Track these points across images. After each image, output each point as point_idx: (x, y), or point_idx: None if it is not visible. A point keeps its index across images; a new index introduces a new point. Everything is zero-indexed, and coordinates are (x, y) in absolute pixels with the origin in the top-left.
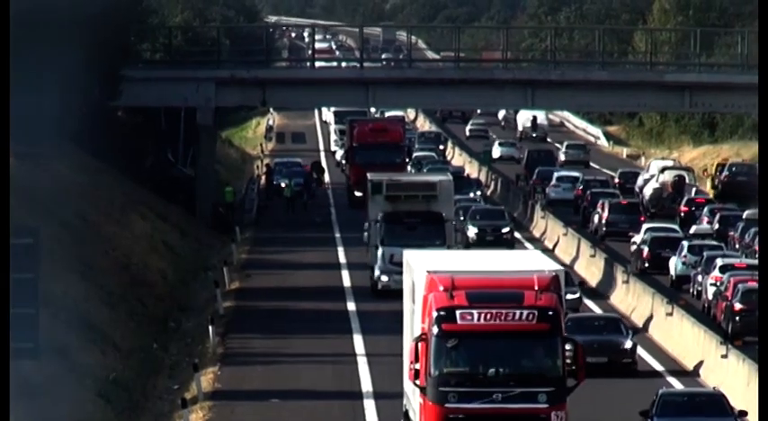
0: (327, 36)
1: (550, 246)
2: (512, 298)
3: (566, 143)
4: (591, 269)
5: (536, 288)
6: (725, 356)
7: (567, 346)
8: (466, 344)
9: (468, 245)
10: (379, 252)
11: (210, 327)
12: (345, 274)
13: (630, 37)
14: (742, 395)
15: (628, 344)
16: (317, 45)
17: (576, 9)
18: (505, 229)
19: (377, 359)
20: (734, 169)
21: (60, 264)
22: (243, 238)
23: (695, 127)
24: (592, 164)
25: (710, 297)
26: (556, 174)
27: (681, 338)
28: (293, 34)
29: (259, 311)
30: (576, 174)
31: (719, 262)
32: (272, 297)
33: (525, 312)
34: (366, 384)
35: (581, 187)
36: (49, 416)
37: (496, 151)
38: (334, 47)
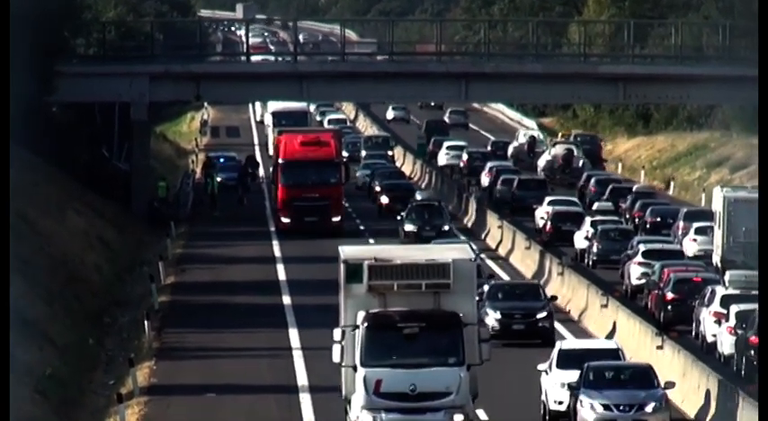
0: (265, 33)
1: (485, 238)
2: None
3: (449, 109)
4: (526, 261)
5: None
6: (660, 347)
7: None
8: None
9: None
10: (360, 376)
11: (146, 322)
12: (281, 268)
13: (564, 29)
14: (678, 386)
15: None
16: (251, 40)
17: (510, 1)
18: (541, 315)
19: (312, 352)
20: (578, 139)
21: None
22: (178, 233)
23: (629, 118)
24: (471, 125)
25: (635, 281)
26: (445, 144)
27: (617, 330)
28: (235, 30)
29: (195, 306)
30: (462, 143)
31: (642, 247)
32: (208, 291)
33: None
34: (302, 378)
35: (467, 158)
36: None
37: (390, 113)
38: (267, 41)
